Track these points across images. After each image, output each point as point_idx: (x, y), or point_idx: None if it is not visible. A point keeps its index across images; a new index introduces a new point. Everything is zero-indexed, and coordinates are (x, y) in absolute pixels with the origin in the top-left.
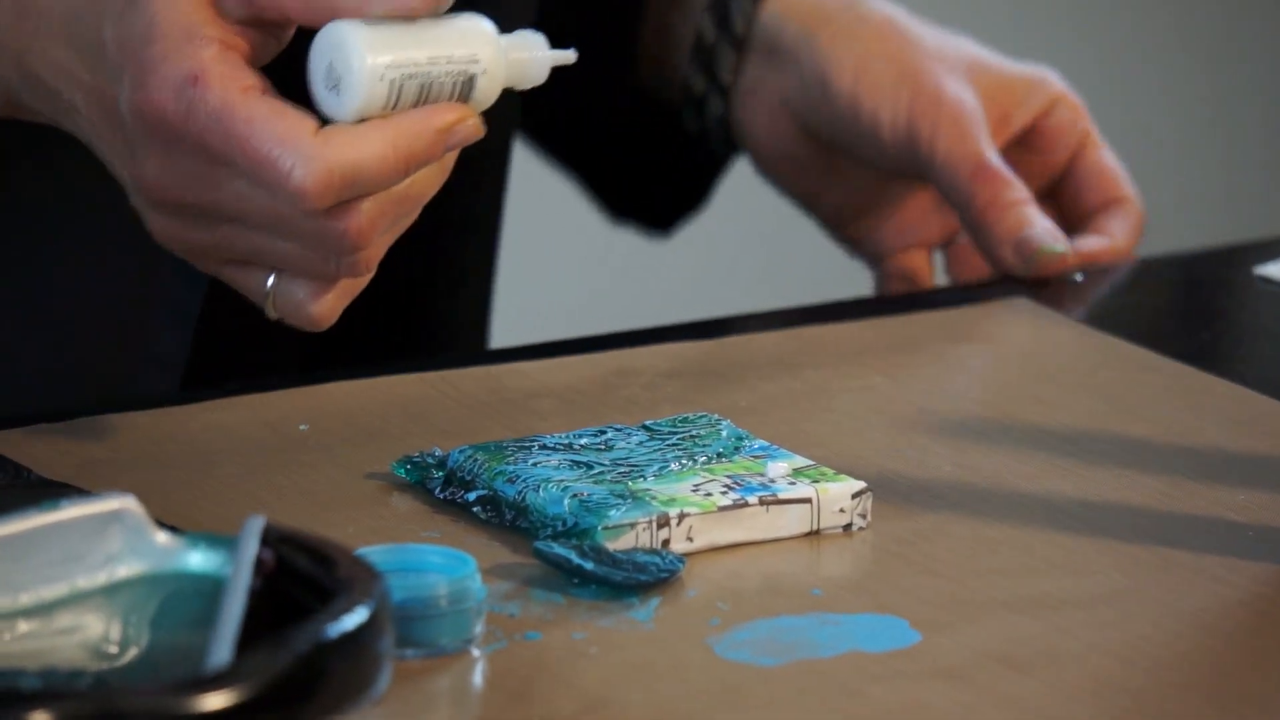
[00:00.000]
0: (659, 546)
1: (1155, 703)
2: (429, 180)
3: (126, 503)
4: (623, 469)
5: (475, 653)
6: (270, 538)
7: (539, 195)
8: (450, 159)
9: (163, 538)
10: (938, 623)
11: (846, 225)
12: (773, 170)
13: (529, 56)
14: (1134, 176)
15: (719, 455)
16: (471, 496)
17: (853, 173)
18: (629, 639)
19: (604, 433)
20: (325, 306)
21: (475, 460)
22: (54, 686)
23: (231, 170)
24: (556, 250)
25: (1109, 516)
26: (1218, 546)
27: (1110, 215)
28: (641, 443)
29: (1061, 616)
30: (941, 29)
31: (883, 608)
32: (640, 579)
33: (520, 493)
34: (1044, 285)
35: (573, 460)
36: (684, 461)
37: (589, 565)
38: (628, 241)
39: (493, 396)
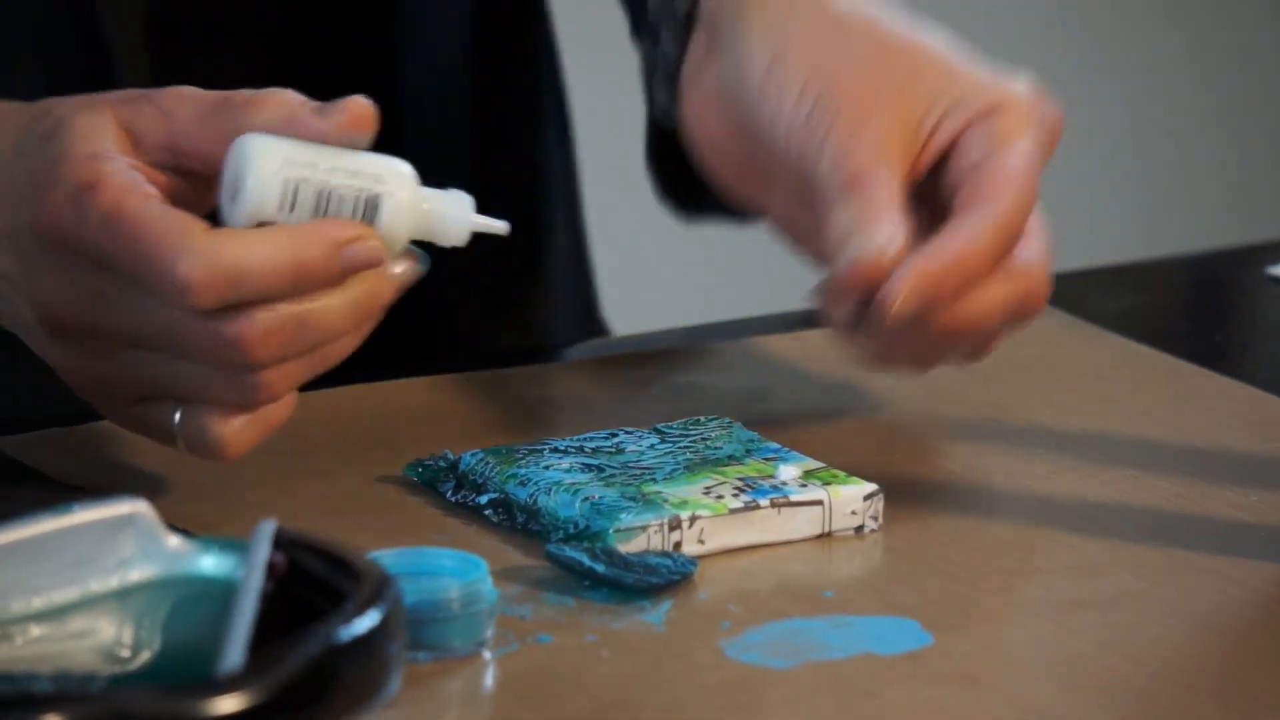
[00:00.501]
0: (670, 549)
1: (1166, 704)
2: (338, 314)
3: (138, 507)
4: (634, 472)
5: (487, 655)
6: (282, 541)
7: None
8: (369, 313)
9: (175, 541)
10: (950, 624)
11: (799, 235)
12: (714, 169)
13: (443, 210)
14: (1146, 177)
15: (730, 458)
16: (483, 500)
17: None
18: (640, 642)
19: (615, 435)
20: (232, 433)
21: (487, 463)
22: (66, 690)
23: (124, 282)
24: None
25: (1121, 518)
26: (1229, 548)
27: (962, 213)
28: (653, 445)
29: (1073, 618)
30: (913, 22)
31: (894, 610)
32: (651, 581)
33: (532, 496)
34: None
35: (584, 463)
36: (695, 464)
37: (600, 568)
38: (632, 241)
39: (504, 399)
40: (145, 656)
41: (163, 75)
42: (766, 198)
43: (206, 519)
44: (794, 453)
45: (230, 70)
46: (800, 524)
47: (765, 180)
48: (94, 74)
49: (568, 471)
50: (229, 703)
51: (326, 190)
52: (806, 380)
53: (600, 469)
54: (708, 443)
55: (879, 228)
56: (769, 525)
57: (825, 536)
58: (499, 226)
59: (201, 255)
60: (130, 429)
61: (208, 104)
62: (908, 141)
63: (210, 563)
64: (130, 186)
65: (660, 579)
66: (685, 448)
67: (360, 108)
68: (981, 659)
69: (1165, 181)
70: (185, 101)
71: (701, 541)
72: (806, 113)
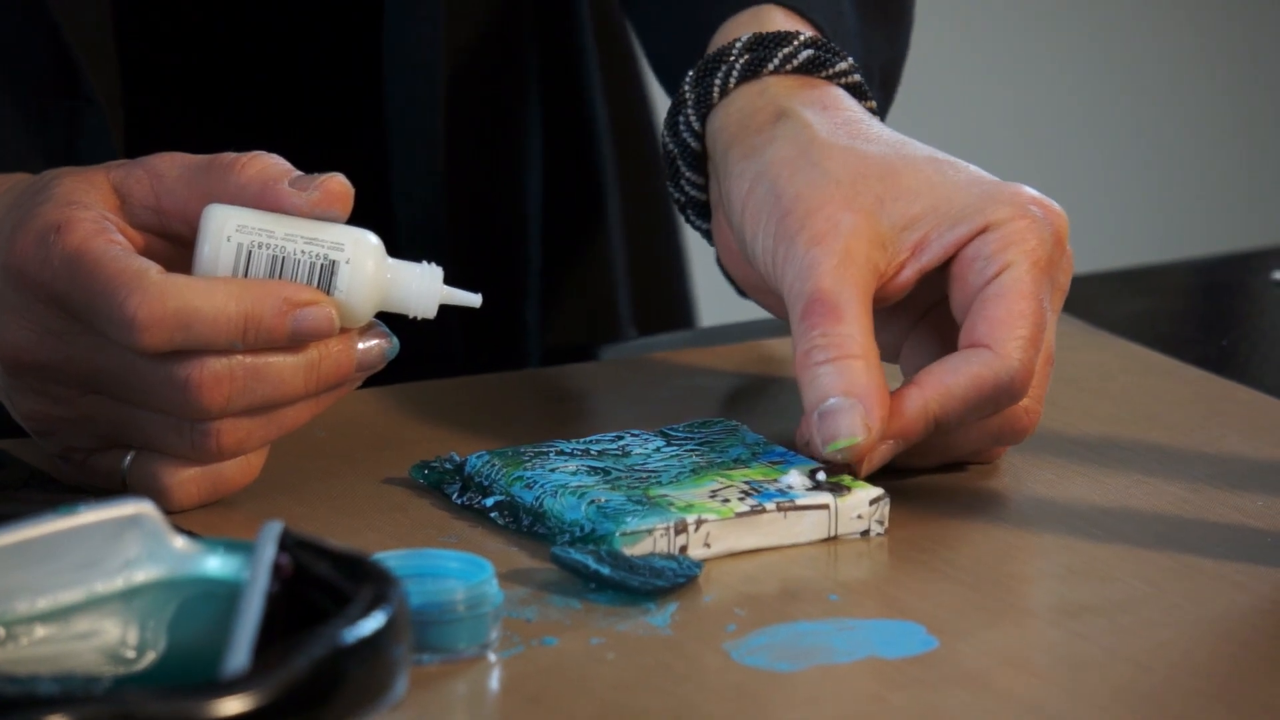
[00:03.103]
0: (676, 552)
1: (1175, 709)
2: (293, 372)
3: (143, 508)
4: (640, 475)
5: (492, 658)
6: (288, 543)
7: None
8: (328, 379)
9: (180, 543)
10: (955, 628)
11: None
12: (744, 287)
13: (407, 280)
14: (1154, 182)
15: (736, 461)
16: (489, 502)
17: None
18: (646, 644)
19: (621, 438)
20: (177, 483)
21: (492, 466)
22: (71, 691)
23: (82, 323)
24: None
25: (1128, 523)
26: (1237, 553)
27: (957, 360)
28: (659, 449)
29: (1080, 623)
30: (903, 142)
31: (900, 613)
32: (657, 584)
33: (538, 498)
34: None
35: (590, 466)
36: (701, 468)
37: (606, 570)
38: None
39: (510, 402)
40: (150, 658)
41: (138, 118)
42: (780, 311)
43: (211, 520)
44: (800, 456)
45: (210, 107)
46: (806, 528)
47: (774, 299)
48: (74, 124)
49: (574, 474)
50: (234, 704)
51: (281, 256)
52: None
53: (606, 472)
54: (714, 446)
55: (847, 403)
56: (775, 529)
57: (831, 540)
58: (470, 300)
59: (150, 295)
60: (80, 478)
61: (192, 166)
62: (876, 260)
63: (216, 564)
64: (97, 231)
65: (665, 582)
66: (691, 451)
67: (338, 185)
68: (987, 663)
69: (1173, 187)
70: (174, 164)
71: (707, 545)
72: (773, 233)
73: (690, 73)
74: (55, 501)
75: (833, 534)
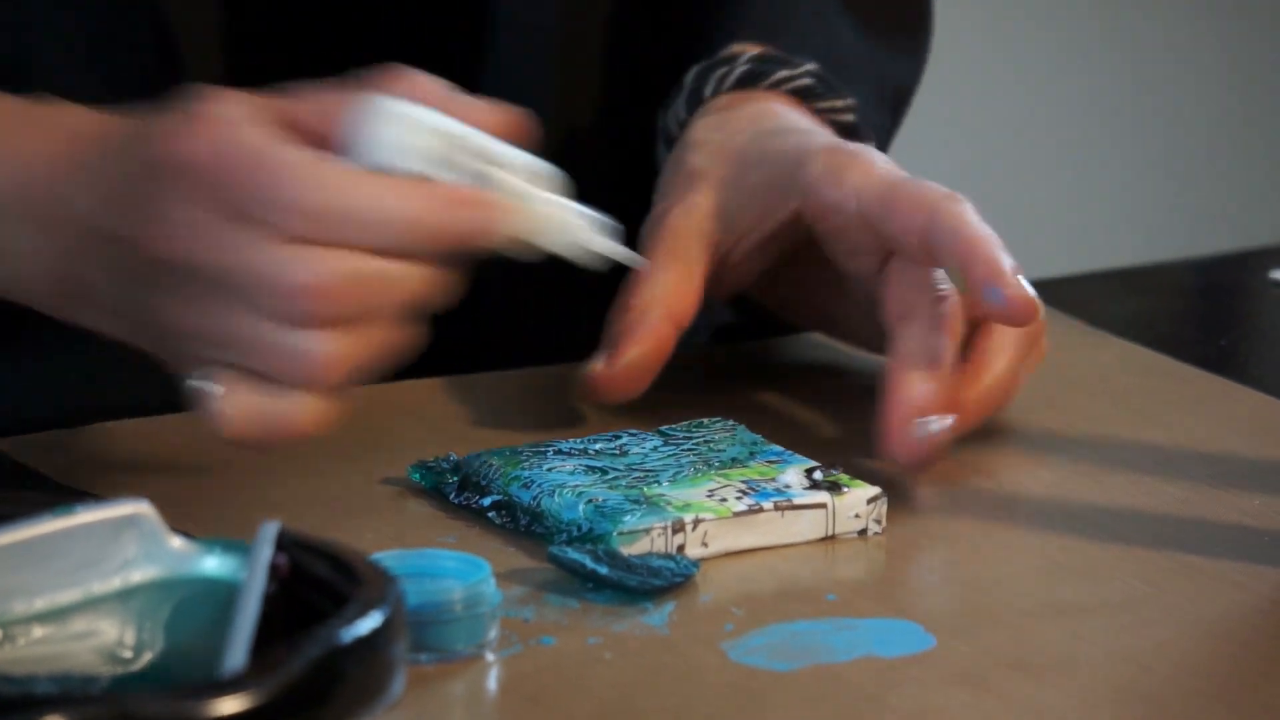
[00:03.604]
0: (674, 551)
1: (1173, 709)
2: (412, 278)
3: (141, 508)
4: (638, 474)
5: (489, 658)
6: (285, 542)
7: None
8: (437, 288)
9: (177, 543)
10: (953, 628)
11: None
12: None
13: (576, 223)
14: (1152, 181)
15: (734, 461)
16: (486, 502)
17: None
18: (643, 644)
19: (619, 437)
20: (236, 406)
21: (490, 465)
22: (69, 691)
23: (244, 228)
24: None
25: (1126, 522)
26: (1236, 553)
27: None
28: (656, 448)
29: (1078, 622)
30: (771, 124)
31: (898, 613)
32: (654, 584)
33: (535, 498)
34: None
35: (588, 465)
36: (699, 467)
37: (603, 570)
38: None
39: (508, 402)
40: (147, 658)
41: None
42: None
43: (209, 520)
44: (797, 455)
45: (306, 76)
46: (804, 527)
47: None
48: (163, 80)
49: (571, 474)
50: (231, 704)
51: (447, 155)
52: (810, 383)
53: (604, 471)
54: (711, 445)
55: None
56: (772, 528)
57: (829, 539)
58: (635, 259)
59: (318, 180)
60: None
61: (348, 84)
62: (709, 230)
63: (213, 564)
64: (272, 132)
65: (663, 581)
66: (689, 450)
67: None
68: (985, 663)
69: (1171, 186)
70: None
71: (705, 544)
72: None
73: (695, 68)
74: (53, 502)
75: (830, 533)
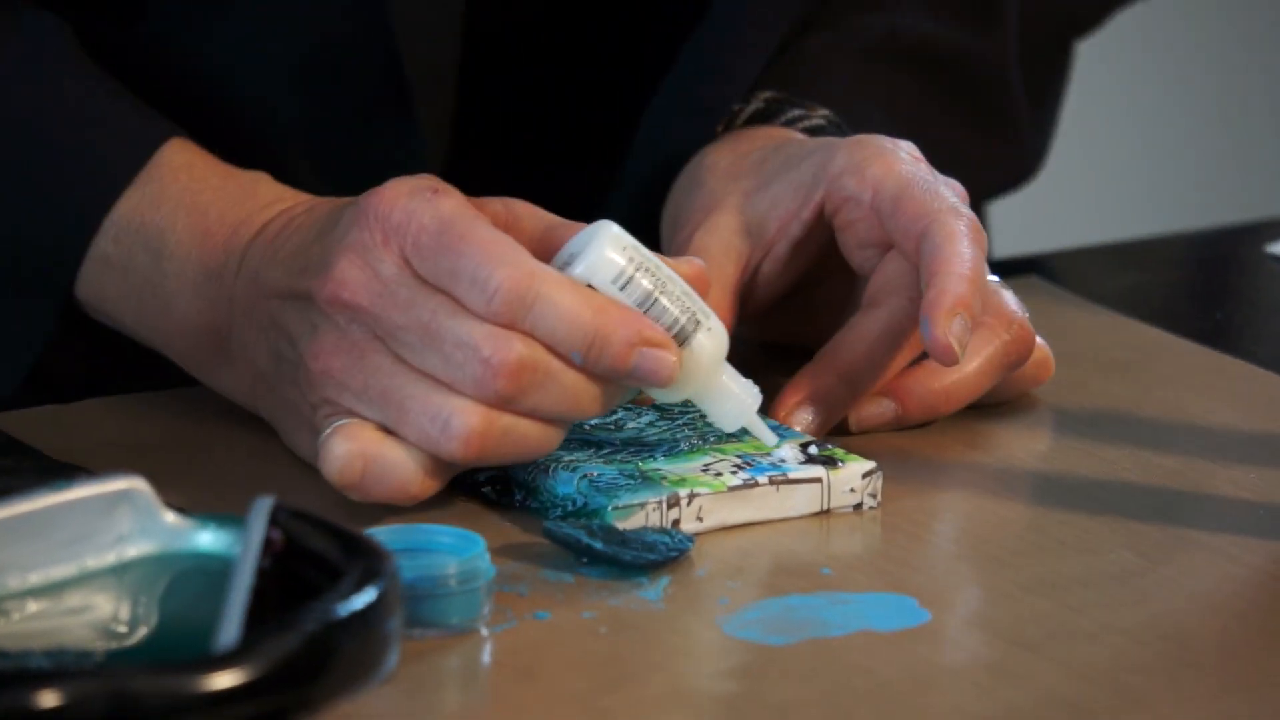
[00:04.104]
0: (669, 526)
1: (1167, 681)
2: (582, 394)
3: (135, 483)
4: (633, 449)
5: (484, 632)
6: (279, 518)
7: None
8: (572, 415)
9: (172, 518)
10: (948, 602)
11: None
12: None
13: (733, 385)
14: (1146, 155)
15: (729, 435)
16: (482, 477)
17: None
18: (638, 618)
19: (614, 413)
20: (346, 455)
21: None
22: (63, 666)
23: (415, 276)
24: None
25: (1121, 496)
26: (1230, 526)
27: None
28: (652, 422)
29: (1074, 596)
30: (785, 134)
31: (893, 586)
32: (649, 558)
33: (530, 473)
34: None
35: (583, 440)
36: (694, 441)
37: (598, 545)
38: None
39: None
40: (142, 633)
41: (462, 149)
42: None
43: (203, 496)
44: (793, 430)
45: (534, 111)
46: (799, 501)
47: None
48: (398, 143)
49: (566, 449)
50: (225, 679)
51: (657, 295)
52: (803, 357)
53: (599, 446)
54: (707, 420)
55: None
56: (767, 502)
57: (824, 514)
58: (768, 438)
59: (520, 269)
60: (295, 442)
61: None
62: (737, 246)
63: (207, 539)
64: (471, 204)
65: (658, 556)
66: (684, 425)
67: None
68: (979, 636)
69: (1165, 159)
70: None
71: (700, 519)
72: (671, 244)
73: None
74: (47, 477)
75: (825, 507)
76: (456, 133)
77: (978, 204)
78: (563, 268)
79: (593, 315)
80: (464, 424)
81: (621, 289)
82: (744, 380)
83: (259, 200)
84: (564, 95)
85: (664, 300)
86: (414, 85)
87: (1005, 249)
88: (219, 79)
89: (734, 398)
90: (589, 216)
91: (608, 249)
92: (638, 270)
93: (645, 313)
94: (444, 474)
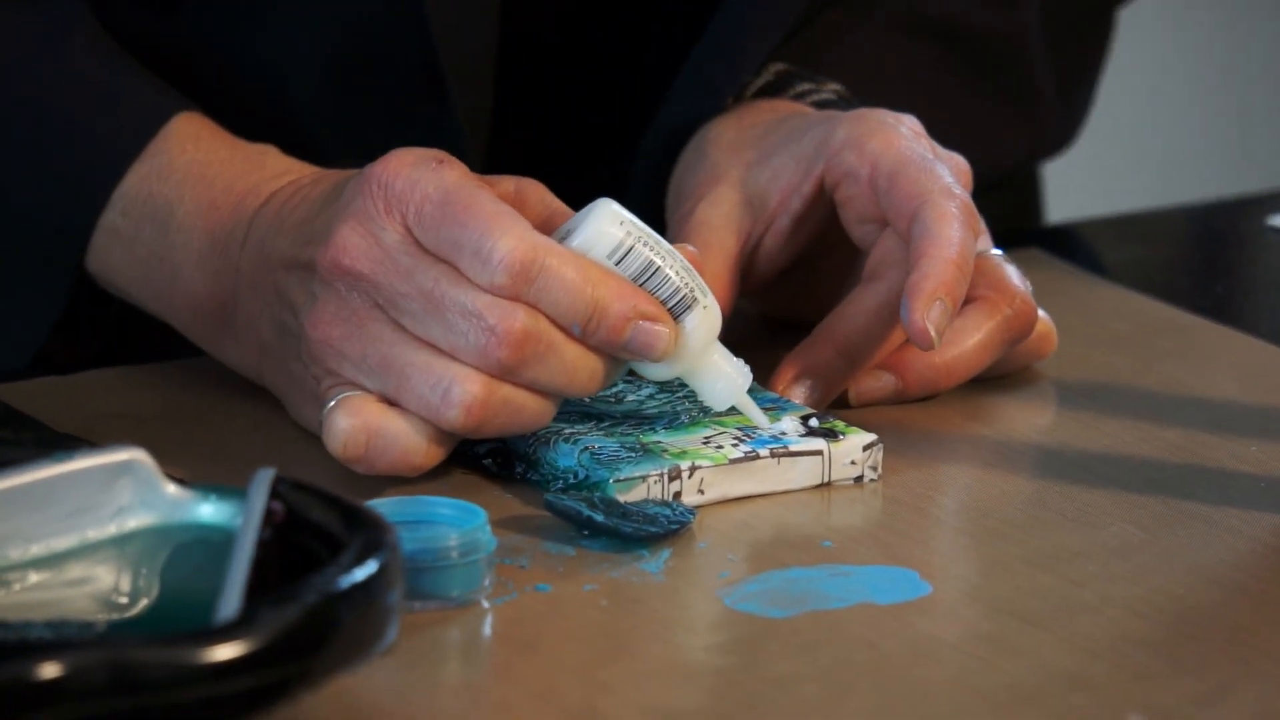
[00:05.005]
0: (670, 499)
1: (1169, 653)
2: (581, 367)
3: (136, 454)
4: (634, 421)
5: (485, 604)
6: (280, 489)
7: None
8: (565, 392)
9: (173, 489)
10: (949, 574)
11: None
12: None
13: (724, 363)
14: (1147, 128)
15: (730, 408)
16: (482, 449)
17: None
18: (639, 591)
19: (615, 385)
20: (350, 429)
21: None
22: (64, 637)
23: (417, 246)
24: None
25: (1122, 469)
26: (1231, 498)
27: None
28: (652, 395)
29: (1075, 569)
30: (791, 106)
31: (893, 559)
32: (650, 531)
33: (531, 445)
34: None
35: (583, 412)
36: (695, 414)
37: (599, 517)
38: None
39: None
40: (143, 604)
41: (499, 142)
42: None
43: (204, 467)
44: (793, 402)
45: (569, 107)
46: (800, 474)
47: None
48: (433, 131)
49: (567, 421)
50: (226, 650)
51: (655, 267)
52: (806, 330)
53: (600, 419)
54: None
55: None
56: (768, 475)
57: (825, 486)
58: (759, 419)
59: (524, 242)
60: (300, 412)
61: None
62: (739, 218)
63: (208, 510)
64: (476, 177)
65: (659, 528)
66: (685, 397)
67: None
68: (980, 609)
69: (1167, 132)
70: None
71: (701, 491)
72: (674, 215)
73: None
74: (49, 449)
75: (826, 480)
76: (495, 124)
77: (1002, 177)
78: (561, 240)
79: (592, 288)
80: (465, 392)
81: (618, 262)
82: (735, 359)
83: (267, 171)
84: (601, 84)
85: (666, 270)
86: (450, 78)
87: (1015, 225)
88: (255, 73)
89: (725, 376)
90: (624, 203)
91: (605, 223)
92: (636, 242)
93: (645, 283)
94: (447, 444)
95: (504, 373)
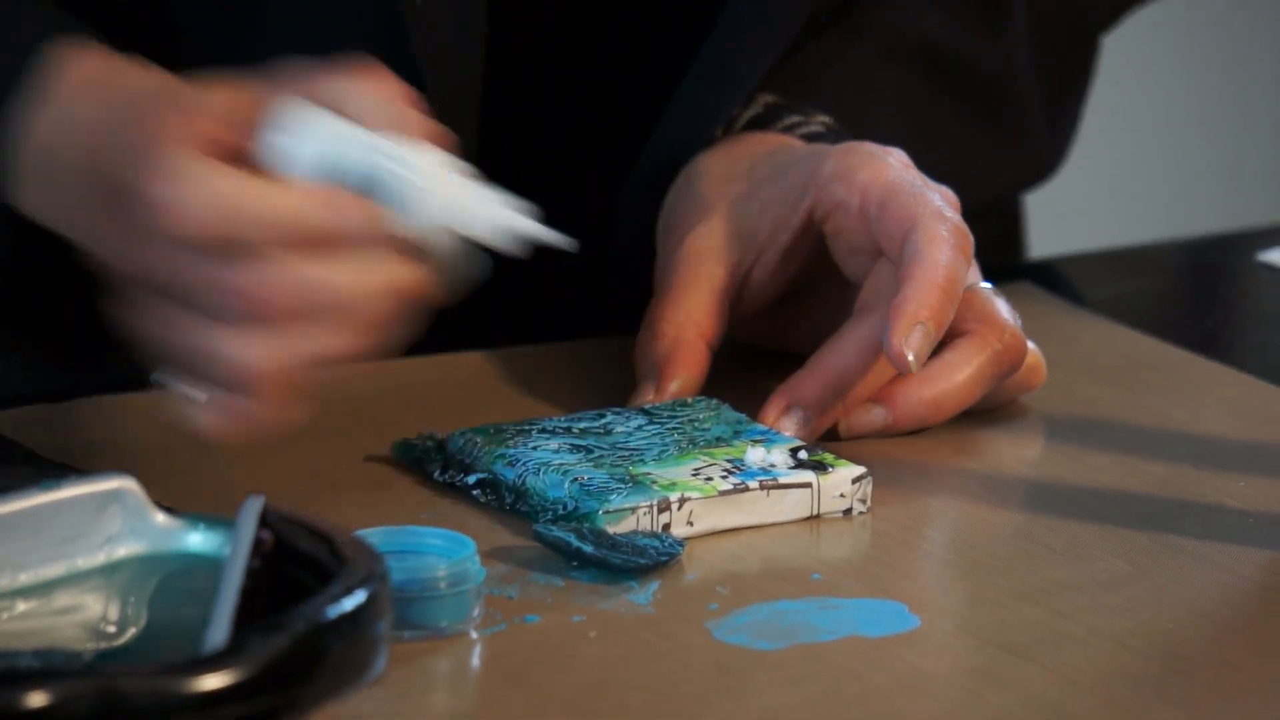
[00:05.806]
0: (659, 530)
1: (1157, 688)
2: (363, 283)
3: (126, 483)
4: (623, 452)
5: (474, 635)
6: (269, 518)
7: None
8: (385, 297)
9: (162, 518)
10: (938, 607)
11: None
12: None
13: (493, 208)
14: (1139, 162)
15: (718, 439)
16: (471, 480)
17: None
18: (628, 622)
19: (603, 416)
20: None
21: (474, 443)
22: (52, 666)
23: (140, 232)
24: None
25: (1110, 502)
26: (1219, 533)
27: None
28: (641, 426)
29: (1062, 602)
30: (780, 139)
31: (882, 592)
32: (639, 562)
33: (520, 476)
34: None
35: (572, 444)
36: (684, 445)
37: (588, 548)
38: None
39: (492, 380)
40: (131, 633)
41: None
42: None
43: (193, 496)
44: (782, 435)
45: (557, 123)
46: (789, 506)
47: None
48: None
49: (556, 452)
50: (215, 680)
51: (361, 168)
52: (794, 363)
53: (589, 450)
54: (695, 424)
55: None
56: (758, 507)
57: (814, 519)
58: (559, 239)
59: (182, 178)
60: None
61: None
62: (726, 251)
63: (197, 539)
64: (197, 120)
65: (648, 560)
66: (673, 429)
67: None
68: (969, 642)
69: (1158, 167)
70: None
71: (690, 523)
72: (663, 250)
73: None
74: (38, 476)
75: (815, 513)
76: (481, 151)
77: (990, 204)
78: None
79: (271, 204)
80: (248, 361)
81: (307, 166)
82: (495, 192)
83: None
84: (588, 110)
85: (352, 157)
86: (435, 109)
87: (996, 257)
88: None
89: (487, 209)
90: (613, 225)
91: (281, 135)
92: (316, 143)
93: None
94: (285, 398)
95: (277, 325)
